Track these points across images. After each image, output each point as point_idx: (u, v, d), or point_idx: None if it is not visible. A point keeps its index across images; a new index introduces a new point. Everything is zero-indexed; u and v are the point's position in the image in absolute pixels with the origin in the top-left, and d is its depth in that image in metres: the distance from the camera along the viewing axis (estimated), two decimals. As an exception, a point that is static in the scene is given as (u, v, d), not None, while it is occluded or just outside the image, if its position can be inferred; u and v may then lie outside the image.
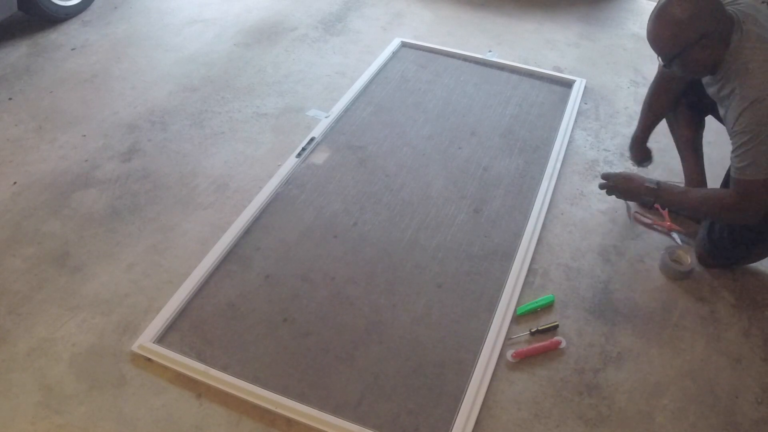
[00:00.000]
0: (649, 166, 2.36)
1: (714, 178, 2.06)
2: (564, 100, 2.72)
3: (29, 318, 1.75)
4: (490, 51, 3.04)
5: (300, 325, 1.76)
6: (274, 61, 2.94)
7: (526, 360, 1.69)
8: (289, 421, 1.53)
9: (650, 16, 1.62)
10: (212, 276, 1.89)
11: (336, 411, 1.54)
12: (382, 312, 1.81)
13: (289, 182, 2.24)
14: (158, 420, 1.53)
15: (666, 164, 2.38)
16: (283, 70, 2.88)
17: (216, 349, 1.69)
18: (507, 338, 1.74)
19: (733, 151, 1.59)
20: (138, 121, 2.53)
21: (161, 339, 1.70)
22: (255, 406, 1.55)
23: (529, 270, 1.94)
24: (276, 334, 1.74)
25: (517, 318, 1.80)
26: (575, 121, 2.59)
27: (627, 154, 2.42)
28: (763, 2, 3.06)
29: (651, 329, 1.80)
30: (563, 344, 1.73)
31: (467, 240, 2.04)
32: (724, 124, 1.68)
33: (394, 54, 3.00)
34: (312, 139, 2.41)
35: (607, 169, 2.34)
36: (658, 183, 1.83)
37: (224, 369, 1.62)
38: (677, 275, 1.95)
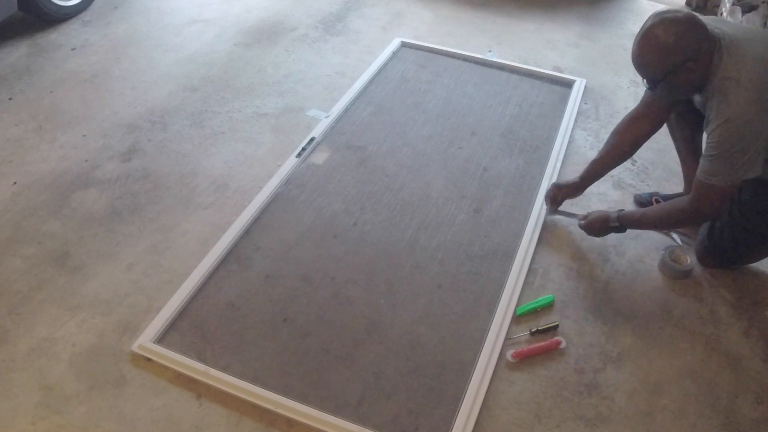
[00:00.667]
0: (649, 166, 2.36)
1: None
2: (564, 100, 2.72)
3: (29, 318, 1.75)
4: (490, 51, 3.04)
5: (300, 325, 1.76)
6: (274, 61, 2.94)
7: (526, 360, 1.69)
8: (289, 421, 1.53)
9: (635, 39, 1.64)
10: (212, 276, 1.89)
11: (336, 411, 1.54)
12: (382, 312, 1.81)
13: (289, 182, 2.24)
14: (158, 420, 1.52)
15: (665, 165, 2.38)
16: (283, 70, 2.88)
17: (216, 349, 1.69)
18: (507, 338, 1.74)
19: (703, 157, 1.64)
20: (138, 121, 2.53)
21: (161, 339, 1.70)
22: (255, 406, 1.55)
23: (529, 270, 1.94)
24: (276, 334, 1.74)
25: (517, 318, 1.80)
26: (575, 121, 2.60)
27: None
28: (763, 2, 3.07)
29: (651, 329, 1.80)
30: (563, 344, 1.73)
31: (467, 240, 2.04)
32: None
33: (394, 54, 3.00)
34: (312, 139, 2.41)
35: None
36: (618, 217, 1.91)
37: (224, 369, 1.62)
38: (677, 275, 1.95)
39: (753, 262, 1.99)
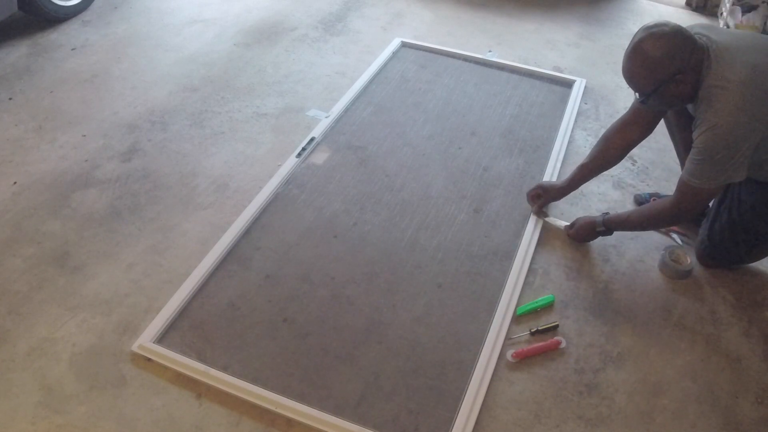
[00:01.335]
0: (649, 166, 2.36)
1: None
2: (564, 100, 2.72)
3: (29, 318, 1.75)
4: (490, 51, 3.04)
5: (300, 325, 1.76)
6: (274, 61, 2.94)
7: (526, 360, 1.69)
8: (289, 421, 1.53)
9: (624, 53, 1.65)
10: (212, 276, 1.89)
11: (336, 411, 1.54)
12: (382, 312, 1.81)
13: (289, 182, 2.24)
14: (158, 420, 1.53)
15: (665, 165, 2.38)
16: (283, 70, 2.88)
17: (216, 349, 1.69)
18: (507, 338, 1.74)
19: (689, 159, 1.65)
20: (138, 121, 2.53)
21: (161, 339, 1.70)
22: (255, 406, 1.55)
23: (529, 270, 1.94)
24: (276, 334, 1.74)
25: (517, 318, 1.80)
26: (575, 121, 2.60)
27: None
28: (763, 2, 3.07)
29: (651, 329, 1.80)
30: (563, 344, 1.73)
31: (467, 240, 2.04)
32: None
33: (394, 54, 3.00)
34: (312, 139, 2.41)
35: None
36: (604, 221, 1.94)
37: (224, 369, 1.62)
38: (677, 275, 1.95)
39: (753, 262, 1.99)
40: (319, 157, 2.37)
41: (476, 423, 1.53)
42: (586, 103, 2.73)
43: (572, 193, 2.13)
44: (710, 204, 1.97)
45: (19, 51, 2.95)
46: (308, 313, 1.79)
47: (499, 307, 1.80)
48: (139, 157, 2.35)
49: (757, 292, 1.93)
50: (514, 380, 1.65)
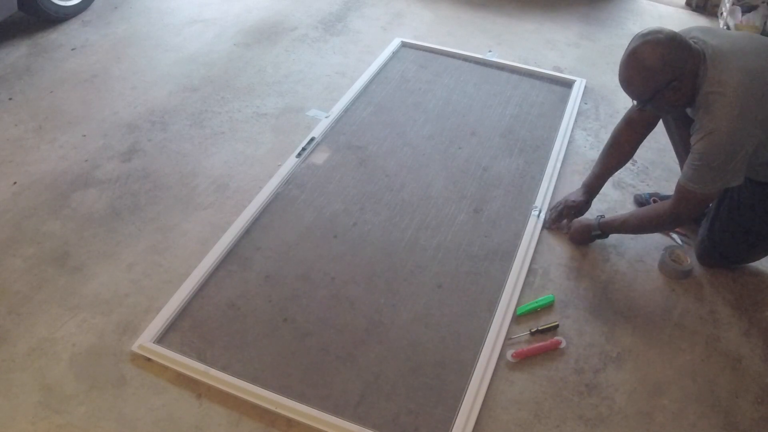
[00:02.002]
0: (649, 166, 2.36)
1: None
2: (564, 100, 2.72)
3: (29, 318, 1.75)
4: (490, 51, 3.04)
5: (300, 325, 1.76)
6: (274, 61, 2.94)
7: (526, 360, 1.69)
8: (289, 421, 1.53)
9: (621, 59, 1.66)
10: (212, 276, 1.89)
11: (336, 411, 1.54)
12: (382, 312, 1.81)
13: (289, 182, 2.24)
14: (158, 420, 1.53)
15: (665, 165, 2.38)
16: (283, 70, 2.88)
17: (216, 349, 1.69)
18: (507, 338, 1.74)
19: (687, 163, 1.66)
20: (138, 121, 2.53)
21: (161, 339, 1.70)
22: (255, 406, 1.55)
23: (529, 270, 1.94)
24: (276, 334, 1.74)
25: (517, 318, 1.80)
26: (575, 121, 2.60)
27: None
28: (763, 2, 3.06)
29: (651, 329, 1.80)
30: (563, 344, 1.73)
31: (467, 240, 2.04)
32: None
33: (394, 54, 3.00)
34: (312, 139, 2.41)
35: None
36: (599, 224, 1.96)
37: (224, 369, 1.62)
38: (677, 275, 1.95)
39: (753, 262, 1.99)
40: (319, 157, 2.37)
41: (476, 423, 1.53)
42: (586, 103, 2.73)
43: (572, 193, 2.14)
44: (710, 204, 1.97)
45: (19, 51, 2.95)
46: (308, 313, 1.79)
47: (499, 307, 1.80)
48: (139, 157, 2.35)
49: (757, 292, 1.93)
50: (514, 380, 1.65)
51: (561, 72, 2.92)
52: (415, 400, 1.59)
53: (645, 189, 2.27)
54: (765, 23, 3.05)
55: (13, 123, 2.49)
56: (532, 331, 1.75)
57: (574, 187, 2.26)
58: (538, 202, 2.16)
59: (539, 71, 2.89)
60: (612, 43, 3.22)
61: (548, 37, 3.24)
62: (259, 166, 2.32)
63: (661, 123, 2.11)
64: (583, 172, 2.33)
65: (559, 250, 2.03)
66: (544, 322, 1.79)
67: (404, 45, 3.07)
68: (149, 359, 1.65)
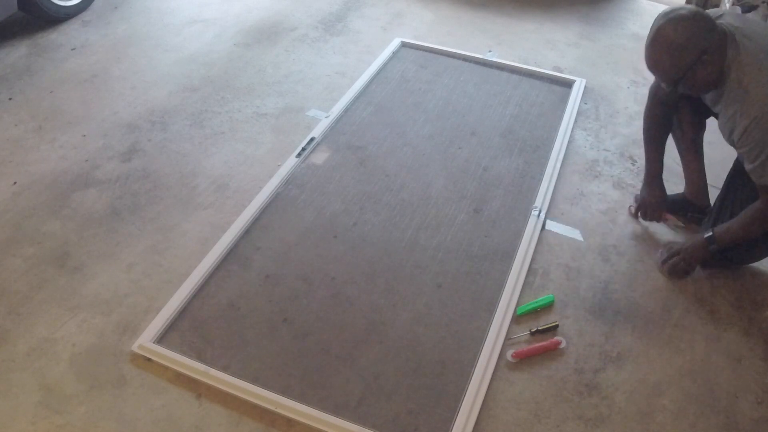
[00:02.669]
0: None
1: (714, 179, 2.06)
2: (564, 100, 2.72)
3: (29, 318, 1.75)
4: (490, 51, 3.04)
5: (300, 325, 1.76)
6: (274, 61, 2.94)
7: (526, 360, 1.69)
8: (289, 421, 1.53)
9: (646, 42, 1.62)
10: (212, 276, 1.89)
11: (336, 411, 1.54)
12: (382, 312, 1.81)
13: (289, 182, 2.24)
14: (158, 420, 1.53)
15: (666, 165, 2.37)
16: (283, 70, 2.88)
17: (216, 349, 1.69)
18: (507, 338, 1.74)
19: (748, 162, 1.61)
20: (138, 121, 2.53)
21: (161, 339, 1.70)
22: (255, 406, 1.55)
23: (529, 270, 1.94)
24: (276, 334, 1.74)
25: (517, 318, 1.80)
26: (575, 121, 2.59)
27: (627, 154, 2.43)
28: (763, 2, 3.06)
29: (651, 329, 1.80)
30: (563, 344, 1.73)
31: (467, 240, 2.04)
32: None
33: (394, 54, 3.00)
34: (312, 139, 2.41)
35: (607, 169, 2.35)
36: (712, 231, 1.82)
37: (224, 369, 1.62)
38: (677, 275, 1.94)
39: (753, 262, 1.98)
40: (319, 157, 2.37)
41: (476, 423, 1.53)
42: (586, 103, 2.73)
43: (572, 193, 2.14)
44: (712, 204, 1.97)
45: (19, 51, 2.95)
46: (308, 313, 1.79)
47: (499, 307, 1.80)
48: (139, 157, 2.35)
49: (757, 292, 1.93)
50: (514, 380, 1.65)
51: (561, 72, 2.92)
52: (415, 400, 1.59)
53: (645, 189, 2.27)
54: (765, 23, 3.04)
55: (13, 123, 2.49)
56: (532, 331, 1.75)
57: (574, 186, 2.27)
58: (538, 202, 2.16)
59: (539, 71, 2.89)
60: (612, 43, 3.22)
61: (548, 37, 3.24)
62: (259, 166, 2.32)
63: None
64: (583, 172, 2.34)
65: (559, 250, 2.03)
66: (544, 322, 1.79)
67: (404, 45, 3.07)
68: (149, 359, 1.65)
